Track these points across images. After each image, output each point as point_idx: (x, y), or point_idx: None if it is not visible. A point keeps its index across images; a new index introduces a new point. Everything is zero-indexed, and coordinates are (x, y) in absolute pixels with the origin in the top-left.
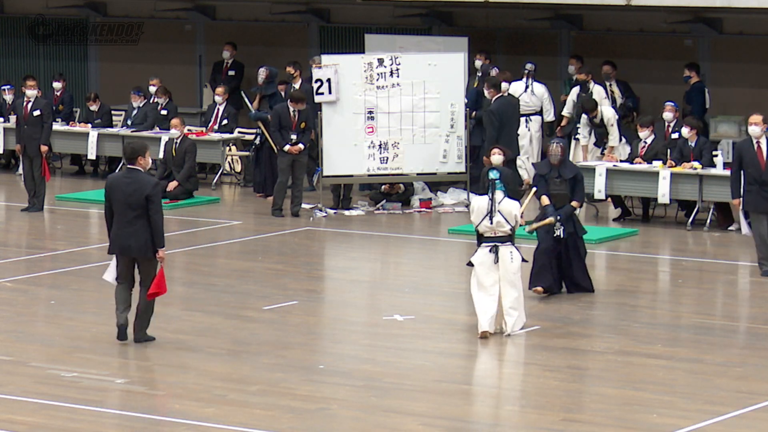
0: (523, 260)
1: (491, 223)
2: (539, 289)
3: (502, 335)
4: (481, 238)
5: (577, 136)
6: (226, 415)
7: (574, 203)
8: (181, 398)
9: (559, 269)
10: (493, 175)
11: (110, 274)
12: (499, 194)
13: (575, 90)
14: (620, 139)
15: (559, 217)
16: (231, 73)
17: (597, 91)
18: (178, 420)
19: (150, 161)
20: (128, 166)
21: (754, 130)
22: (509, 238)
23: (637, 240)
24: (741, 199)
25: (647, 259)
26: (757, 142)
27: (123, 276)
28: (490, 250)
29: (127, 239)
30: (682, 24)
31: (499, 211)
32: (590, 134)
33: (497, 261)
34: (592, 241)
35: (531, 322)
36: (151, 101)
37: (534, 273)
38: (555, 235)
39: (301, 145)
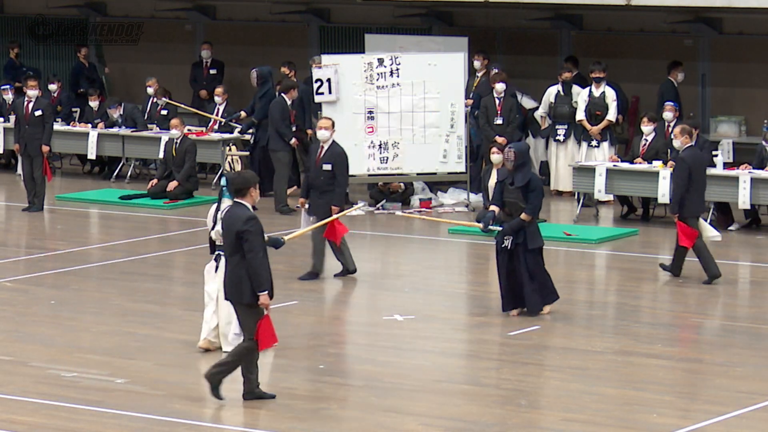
0: None
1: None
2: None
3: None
4: (213, 246)
5: (557, 137)
6: (226, 415)
7: (523, 216)
8: (181, 398)
9: (509, 284)
10: (223, 182)
11: None
12: (226, 202)
13: (551, 90)
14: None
15: (493, 227)
16: (212, 72)
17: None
18: (178, 420)
19: (257, 195)
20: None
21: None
22: None
23: (637, 240)
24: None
25: (647, 259)
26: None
27: None
28: (215, 259)
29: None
30: (682, 24)
31: (222, 219)
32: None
33: (217, 270)
34: (592, 241)
35: (531, 322)
36: (149, 102)
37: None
38: (503, 245)
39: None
